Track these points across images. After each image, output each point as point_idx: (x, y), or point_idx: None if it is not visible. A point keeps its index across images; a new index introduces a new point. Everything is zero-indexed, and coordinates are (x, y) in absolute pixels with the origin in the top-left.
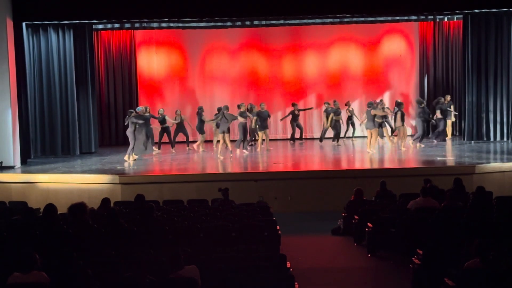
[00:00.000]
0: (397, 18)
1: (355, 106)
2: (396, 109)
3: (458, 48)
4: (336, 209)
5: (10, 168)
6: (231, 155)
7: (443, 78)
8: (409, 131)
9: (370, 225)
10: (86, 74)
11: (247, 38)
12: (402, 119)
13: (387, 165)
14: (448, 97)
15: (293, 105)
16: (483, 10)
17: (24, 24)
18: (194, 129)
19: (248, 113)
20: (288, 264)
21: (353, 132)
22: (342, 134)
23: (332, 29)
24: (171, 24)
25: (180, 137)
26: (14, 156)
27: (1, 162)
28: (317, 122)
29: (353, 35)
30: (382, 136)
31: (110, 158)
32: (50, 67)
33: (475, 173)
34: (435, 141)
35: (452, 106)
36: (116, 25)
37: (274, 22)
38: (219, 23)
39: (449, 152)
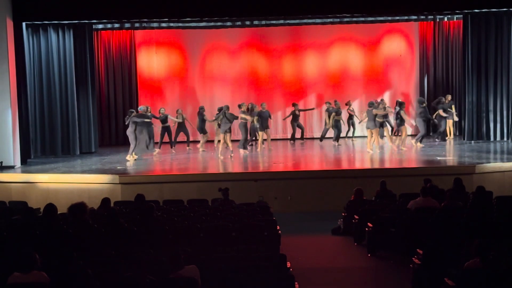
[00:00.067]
0: (397, 18)
1: (355, 106)
2: (397, 108)
3: (458, 48)
4: (336, 209)
5: (10, 168)
6: (232, 155)
7: (443, 78)
8: (409, 130)
9: (370, 225)
10: (86, 74)
11: (247, 38)
12: (403, 119)
13: (387, 165)
14: (449, 97)
15: (294, 105)
16: (483, 10)
17: (24, 24)
18: (194, 129)
19: (245, 114)
20: (288, 264)
21: (353, 132)
22: (343, 134)
23: (332, 29)
24: (171, 24)
25: (181, 137)
26: (14, 156)
27: (1, 162)
28: (317, 122)
29: (353, 35)
30: (382, 136)
31: (110, 158)
32: (50, 67)
33: (475, 173)
34: (437, 140)
35: (453, 106)
36: (116, 25)
37: (274, 22)
38: (219, 23)
39: (449, 152)
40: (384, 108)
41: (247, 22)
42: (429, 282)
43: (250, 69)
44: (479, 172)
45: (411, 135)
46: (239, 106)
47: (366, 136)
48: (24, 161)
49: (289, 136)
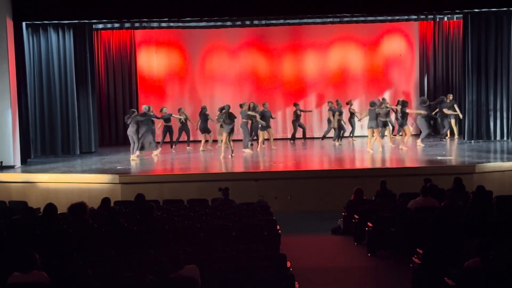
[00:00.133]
0: (397, 17)
1: (355, 105)
2: (400, 107)
3: (458, 48)
4: (336, 208)
5: (10, 168)
6: (233, 154)
7: (443, 77)
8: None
9: (370, 224)
10: (86, 74)
11: (247, 38)
12: (406, 118)
13: (387, 164)
14: (451, 96)
15: (295, 105)
16: (483, 10)
17: (24, 24)
18: (198, 128)
19: (252, 112)
20: (288, 264)
21: (353, 132)
22: (347, 133)
23: (332, 28)
24: (171, 24)
25: (181, 136)
26: (14, 156)
27: (1, 162)
28: (317, 122)
29: (353, 35)
30: (383, 136)
31: (110, 157)
32: (50, 67)
33: (475, 173)
34: (444, 140)
35: (455, 105)
36: (116, 25)
37: (274, 21)
38: (219, 23)
39: (449, 152)
40: (386, 107)
41: (247, 22)
42: (429, 282)
43: (250, 69)
44: (479, 172)
45: (414, 135)
46: (241, 106)
47: (366, 136)
48: (24, 161)
49: (289, 135)
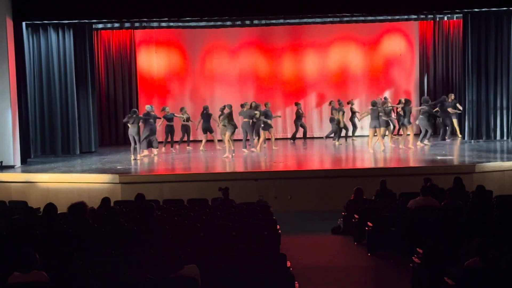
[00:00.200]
0: (397, 17)
1: (355, 105)
2: (402, 106)
3: (458, 47)
4: (336, 208)
5: (10, 167)
6: (233, 154)
7: (443, 77)
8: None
9: (370, 224)
10: (86, 74)
11: (247, 38)
12: (409, 117)
13: (387, 164)
14: (452, 96)
15: (296, 104)
16: (483, 9)
17: (24, 23)
18: (199, 127)
19: (255, 110)
20: (288, 264)
21: (353, 132)
22: (349, 133)
23: (332, 28)
24: (171, 24)
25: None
26: (14, 155)
27: (1, 162)
28: (317, 122)
29: (353, 34)
30: (383, 135)
31: (110, 157)
32: (50, 67)
33: (475, 172)
34: (449, 140)
35: (458, 104)
36: (116, 25)
37: (274, 21)
38: (219, 23)
39: (449, 151)
40: (389, 106)
41: (247, 22)
42: (429, 281)
43: (250, 68)
44: (479, 171)
45: (416, 134)
46: (242, 106)
47: (366, 136)
48: (24, 160)
49: (289, 135)
